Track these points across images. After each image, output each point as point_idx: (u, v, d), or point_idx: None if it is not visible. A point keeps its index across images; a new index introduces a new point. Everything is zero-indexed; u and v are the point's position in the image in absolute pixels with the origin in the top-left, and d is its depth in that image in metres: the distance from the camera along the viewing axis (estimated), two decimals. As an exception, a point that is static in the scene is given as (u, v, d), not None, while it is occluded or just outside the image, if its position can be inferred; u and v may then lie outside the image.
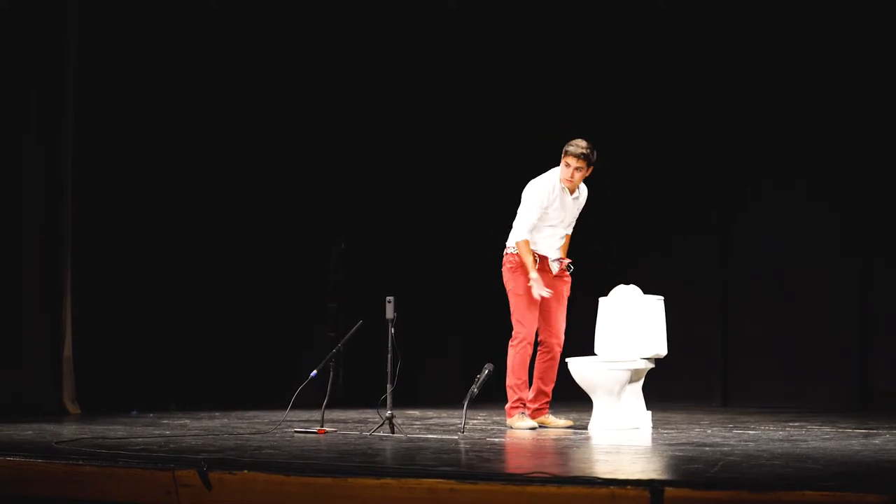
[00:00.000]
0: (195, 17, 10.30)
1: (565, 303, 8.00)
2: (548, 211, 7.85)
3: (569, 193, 7.87)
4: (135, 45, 9.94)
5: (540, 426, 7.91)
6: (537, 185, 7.89)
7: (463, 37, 11.27)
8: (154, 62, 10.08)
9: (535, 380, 7.99)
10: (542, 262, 7.88)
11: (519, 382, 7.83)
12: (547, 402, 8.02)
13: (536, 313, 7.85)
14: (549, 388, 8.02)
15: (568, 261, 8.01)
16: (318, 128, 11.00)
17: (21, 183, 9.28)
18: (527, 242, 7.82)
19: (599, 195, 8.30)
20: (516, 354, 7.82)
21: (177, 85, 10.22)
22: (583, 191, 8.01)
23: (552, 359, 7.98)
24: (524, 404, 7.85)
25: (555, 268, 7.93)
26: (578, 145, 7.78)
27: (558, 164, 7.87)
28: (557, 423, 7.99)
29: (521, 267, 7.81)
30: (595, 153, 7.82)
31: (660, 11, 10.78)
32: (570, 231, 8.05)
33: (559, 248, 7.98)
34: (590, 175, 7.91)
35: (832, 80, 10.39)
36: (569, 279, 8.02)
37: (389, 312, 7.14)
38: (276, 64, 10.75)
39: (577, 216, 8.03)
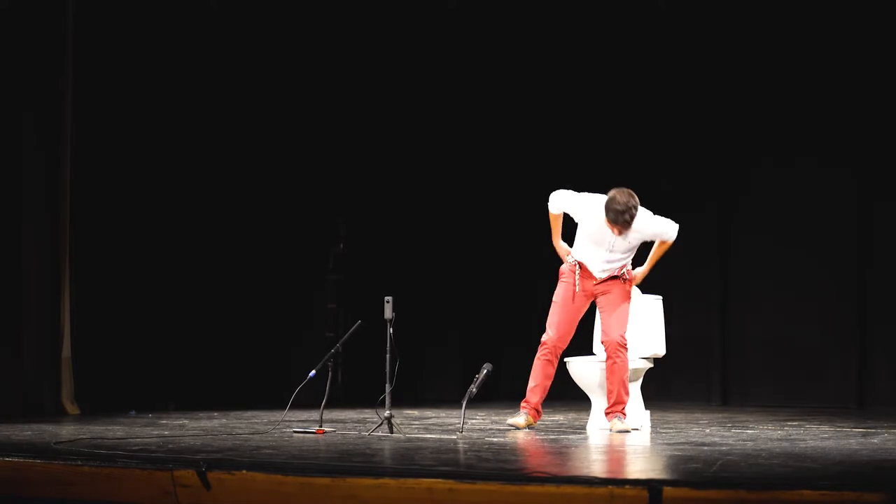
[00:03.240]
0: (195, 17, 10.31)
1: (618, 303, 7.63)
2: (588, 224, 7.62)
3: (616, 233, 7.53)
4: (135, 42, 9.93)
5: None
6: (596, 200, 7.55)
7: (463, 37, 11.28)
8: (154, 58, 10.07)
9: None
10: (583, 269, 7.73)
11: (531, 385, 7.77)
12: (612, 406, 7.61)
13: (561, 320, 7.68)
14: (611, 394, 7.59)
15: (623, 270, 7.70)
16: (315, 130, 11.00)
17: (20, 185, 9.27)
18: (557, 216, 7.69)
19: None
20: (536, 357, 7.77)
21: (176, 84, 10.22)
22: (638, 226, 7.53)
23: (610, 361, 7.56)
24: (533, 408, 7.79)
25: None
26: (616, 210, 7.35)
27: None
28: (616, 427, 7.56)
29: (565, 275, 7.73)
30: (636, 209, 7.39)
31: (660, 11, 10.78)
32: (620, 262, 7.66)
33: (606, 271, 7.68)
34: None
35: (834, 82, 10.40)
36: (622, 282, 7.68)
37: (388, 312, 7.14)
38: (276, 65, 10.75)
39: (631, 249, 7.65)
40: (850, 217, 10.36)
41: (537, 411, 7.81)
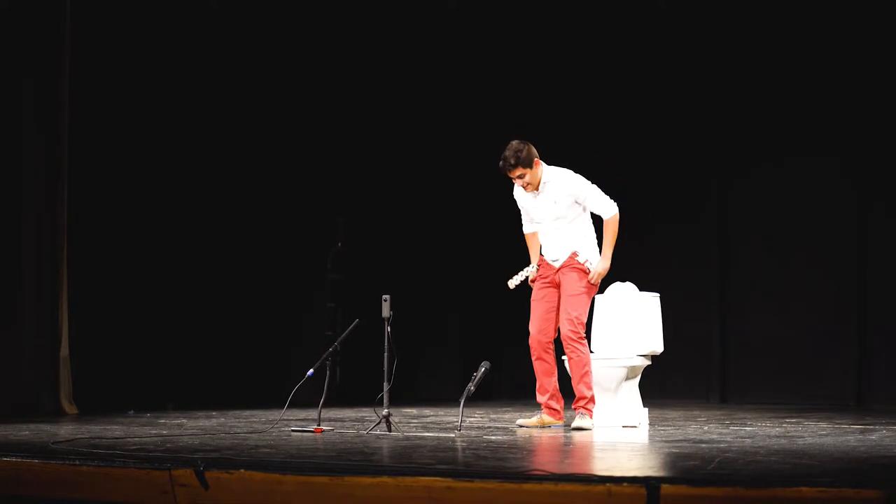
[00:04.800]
0: (195, 17, 10.31)
1: (570, 294, 7.58)
2: (525, 208, 7.77)
3: (534, 192, 7.64)
4: (134, 42, 9.95)
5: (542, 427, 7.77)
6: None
7: (463, 37, 11.28)
8: (154, 58, 10.10)
9: None
10: (542, 261, 7.79)
11: (536, 386, 7.78)
12: (575, 402, 7.61)
13: (535, 315, 7.70)
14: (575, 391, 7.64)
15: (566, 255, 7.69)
16: (315, 131, 11.01)
17: (20, 185, 9.28)
18: (527, 236, 7.84)
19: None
20: None
21: (176, 83, 10.24)
22: (555, 181, 7.61)
23: (567, 357, 7.60)
24: (545, 406, 7.76)
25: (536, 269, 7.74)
26: (502, 161, 7.50)
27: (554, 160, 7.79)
28: (574, 423, 7.61)
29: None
30: (523, 152, 7.47)
31: (659, 11, 10.79)
32: (573, 234, 7.64)
33: (559, 248, 7.69)
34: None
35: (834, 84, 10.40)
36: (579, 272, 7.61)
37: (385, 311, 7.13)
38: (275, 65, 10.77)
39: (567, 212, 7.62)
40: (849, 217, 10.36)
41: (552, 409, 7.71)
